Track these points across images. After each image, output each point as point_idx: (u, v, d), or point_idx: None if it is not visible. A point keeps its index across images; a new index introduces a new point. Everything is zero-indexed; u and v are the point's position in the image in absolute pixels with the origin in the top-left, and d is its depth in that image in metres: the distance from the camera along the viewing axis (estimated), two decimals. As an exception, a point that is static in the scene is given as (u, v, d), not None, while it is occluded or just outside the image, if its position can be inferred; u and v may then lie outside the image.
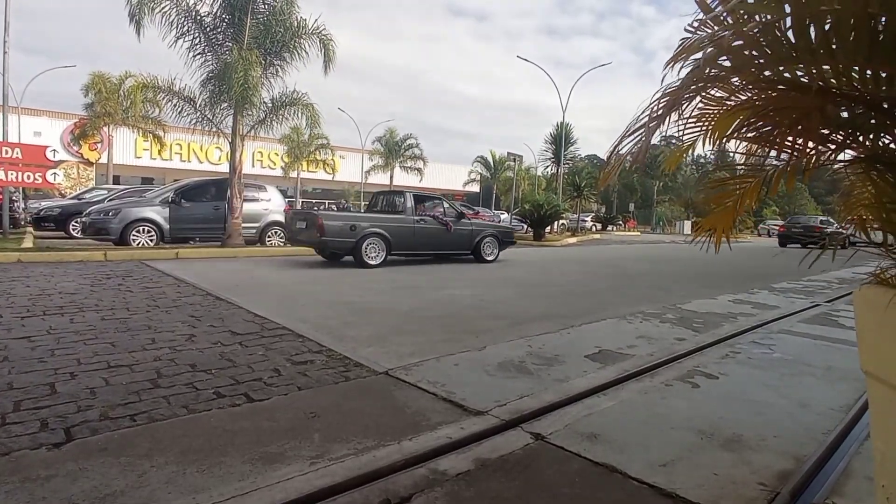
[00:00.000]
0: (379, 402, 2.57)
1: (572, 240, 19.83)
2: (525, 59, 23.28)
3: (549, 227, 19.19)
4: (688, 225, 41.27)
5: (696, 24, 1.37)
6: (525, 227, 22.52)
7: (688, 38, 1.32)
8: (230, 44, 9.97)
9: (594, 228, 32.67)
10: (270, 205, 11.55)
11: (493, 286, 6.81)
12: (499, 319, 4.60)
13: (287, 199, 13.44)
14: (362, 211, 9.44)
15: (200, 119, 10.52)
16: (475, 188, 47.97)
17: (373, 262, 8.33)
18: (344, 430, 2.21)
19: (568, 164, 31.54)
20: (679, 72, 1.28)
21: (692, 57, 1.26)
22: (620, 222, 39.22)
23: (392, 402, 2.55)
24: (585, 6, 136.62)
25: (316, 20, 10.46)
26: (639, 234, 34.62)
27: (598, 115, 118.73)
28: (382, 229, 8.49)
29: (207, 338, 3.59)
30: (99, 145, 27.79)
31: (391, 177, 37.34)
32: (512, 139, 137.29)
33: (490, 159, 39.37)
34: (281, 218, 11.63)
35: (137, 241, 9.62)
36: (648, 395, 2.73)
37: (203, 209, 10.56)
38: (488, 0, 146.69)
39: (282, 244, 11.42)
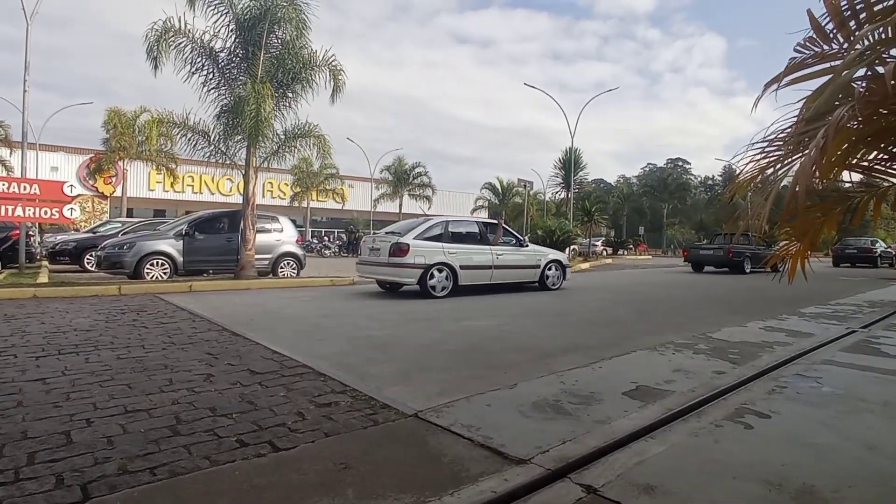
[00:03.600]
0: (412, 449, 2.40)
1: (585, 265, 19.62)
2: (532, 87, 23.58)
3: (561, 253, 19.01)
4: (698, 247, 40.89)
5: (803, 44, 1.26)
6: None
7: (796, 57, 1.21)
8: (244, 77, 10.11)
9: (605, 253, 32.39)
10: (283, 235, 11.52)
11: (513, 316, 6.64)
12: (524, 352, 4.42)
13: (297, 229, 13.42)
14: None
15: (214, 152, 10.61)
16: (483, 214, 48.10)
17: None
18: (378, 483, 2.04)
19: (577, 188, 31.54)
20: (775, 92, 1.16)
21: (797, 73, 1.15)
22: (631, 246, 38.89)
23: (426, 450, 2.39)
24: (590, 30, 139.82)
25: (327, 51, 10.61)
26: (650, 257, 34.28)
27: (605, 137, 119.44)
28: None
29: (226, 377, 3.45)
30: (113, 179, 28.28)
31: (400, 205, 37.52)
32: (517, 163, 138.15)
33: (498, 185, 39.56)
34: (293, 248, 11.60)
35: (151, 275, 9.59)
36: (700, 438, 2.54)
37: (216, 241, 10.54)
38: (492, 26, 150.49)
39: (294, 275, 11.34)
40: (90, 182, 28.63)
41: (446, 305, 7.66)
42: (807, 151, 1.53)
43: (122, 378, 3.39)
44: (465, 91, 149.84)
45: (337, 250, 28.73)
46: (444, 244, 8.99)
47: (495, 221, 10.64)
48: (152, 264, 9.66)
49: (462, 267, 9.03)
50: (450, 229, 9.30)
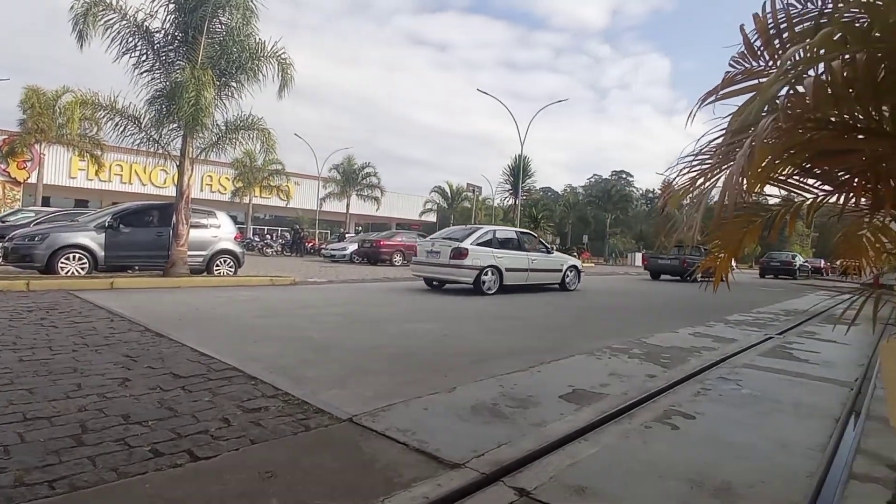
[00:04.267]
0: (344, 455, 2.31)
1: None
2: (485, 93, 23.86)
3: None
4: (639, 256, 42.90)
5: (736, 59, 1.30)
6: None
7: (731, 71, 1.24)
8: (182, 62, 9.57)
9: (547, 259, 33.11)
10: (220, 231, 10.98)
11: (457, 320, 6.64)
12: (466, 356, 4.41)
13: (237, 226, 12.85)
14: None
15: (146, 140, 9.96)
16: (432, 218, 48.14)
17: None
18: (305, 491, 1.94)
19: (525, 195, 32.18)
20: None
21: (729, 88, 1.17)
22: (576, 254, 40.08)
23: (359, 455, 2.30)
24: (544, 41, 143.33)
25: (276, 42, 10.24)
26: (593, 265, 35.44)
27: (554, 147, 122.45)
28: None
29: (144, 382, 3.21)
30: (29, 163, 26.01)
31: (347, 205, 36.91)
32: (469, 169, 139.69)
33: (447, 189, 39.68)
34: (231, 246, 11.07)
35: (67, 270, 8.84)
36: (630, 440, 2.60)
37: (144, 235, 9.89)
38: (449, 30, 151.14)
39: (231, 273, 10.84)
40: (1, 166, 26.25)
41: (397, 309, 7.56)
42: (732, 163, 1.59)
43: (24, 382, 3.07)
44: (421, 94, 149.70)
45: (280, 249, 27.82)
46: (494, 250, 10.38)
47: (530, 232, 12.44)
48: (68, 258, 8.89)
49: (507, 269, 10.45)
50: (497, 236, 10.81)
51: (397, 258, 20.87)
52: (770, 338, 5.76)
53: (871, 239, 1.86)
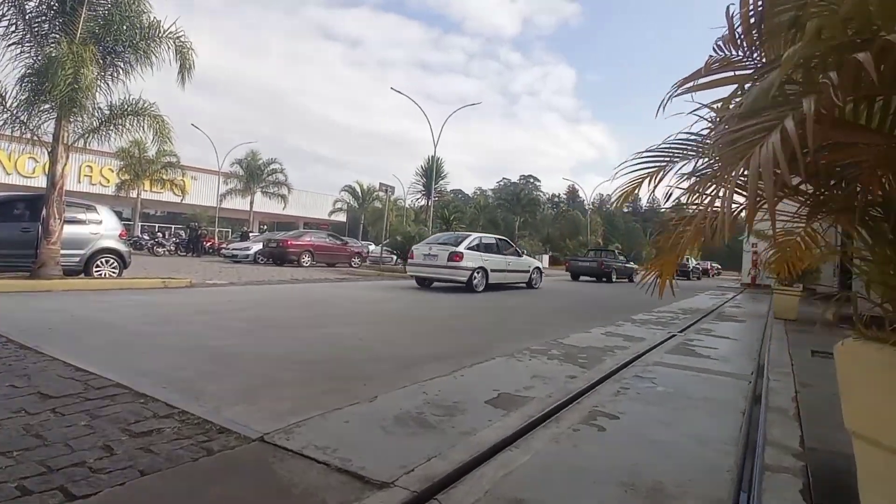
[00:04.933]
0: (256, 481, 2.02)
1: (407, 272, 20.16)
2: (399, 92, 23.62)
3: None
4: (546, 258, 44.85)
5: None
6: (395, 258, 22.37)
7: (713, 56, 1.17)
8: (58, 35, 8.40)
9: (460, 261, 33.64)
10: (101, 228, 9.76)
11: (373, 323, 6.39)
12: (385, 362, 4.20)
13: (123, 223, 11.53)
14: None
15: (11, 121, 8.61)
16: (342, 217, 46.96)
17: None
18: (209, 531, 1.65)
19: (437, 197, 32.38)
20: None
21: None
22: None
23: (273, 480, 2.03)
24: (457, 45, 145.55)
25: (174, 23, 9.32)
26: (500, 266, 36.61)
27: (466, 150, 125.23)
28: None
29: (5, 404, 2.66)
30: None
31: (251, 202, 34.94)
32: (380, 169, 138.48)
33: (358, 189, 38.91)
34: (115, 244, 9.89)
35: None
36: (560, 445, 2.55)
37: (6, 231, 8.55)
38: (362, 26, 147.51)
39: (115, 275, 9.69)
40: None
41: (310, 312, 7.13)
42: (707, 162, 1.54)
43: None
44: (332, 90, 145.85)
45: (173, 248, 25.58)
46: (481, 253, 12.14)
47: (506, 238, 14.59)
48: None
49: (492, 270, 12.25)
50: (482, 242, 12.58)
51: (306, 258, 20.06)
52: (673, 335, 6.13)
53: (804, 243, 1.94)
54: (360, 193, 39.69)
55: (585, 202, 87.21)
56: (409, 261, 13.09)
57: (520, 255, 14.02)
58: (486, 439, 2.54)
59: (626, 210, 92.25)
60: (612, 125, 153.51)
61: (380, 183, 18.30)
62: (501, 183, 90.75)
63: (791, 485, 2.20)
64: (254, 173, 34.53)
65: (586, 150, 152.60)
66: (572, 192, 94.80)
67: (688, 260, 33.02)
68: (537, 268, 14.38)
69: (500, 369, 4.13)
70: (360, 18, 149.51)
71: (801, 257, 2.07)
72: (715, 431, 2.87)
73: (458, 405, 3.09)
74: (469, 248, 11.90)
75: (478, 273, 11.85)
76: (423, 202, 35.89)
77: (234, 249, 22.27)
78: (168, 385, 3.16)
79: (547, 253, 46.49)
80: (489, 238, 13.32)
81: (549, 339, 5.50)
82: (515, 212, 46.61)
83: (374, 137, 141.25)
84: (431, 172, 26.13)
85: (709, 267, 37.91)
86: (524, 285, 13.95)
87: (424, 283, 12.81)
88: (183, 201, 34.24)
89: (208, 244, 27.89)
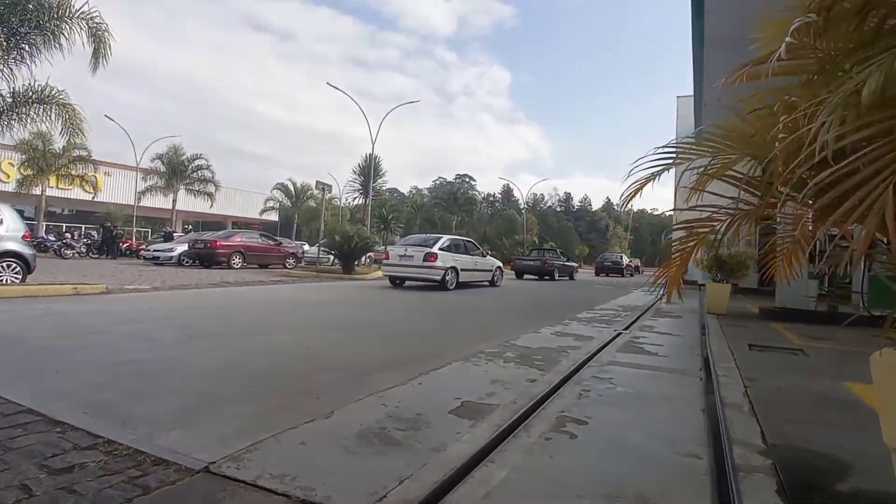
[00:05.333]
0: (203, 525, 1.73)
1: (381, 272, 19.75)
2: (336, 88, 22.97)
3: (358, 261, 18.79)
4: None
5: None
6: (332, 259, 21.73)
7: None
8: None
9: (398, 261, 33.32)
10: (2, 229, 8.67)
11: (316, 329, 6.04)
12: (337, 372, 3.93)
13: (25, 222, 10.32)
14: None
15: None
16: (274, 217, 45.18)
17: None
18: None
19: (374, 196, 31.80)
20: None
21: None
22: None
23: (224, 523, 1.75)
24: (393, 42, 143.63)
25: (86, 2, 8.42)
26: (438, 266, 36.65)
27: (402, 149, 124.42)
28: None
29: None
30: None
31: (174, 200, 32.79)
32: (314, 166, 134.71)
33: (291, 187, 37.51)
34: (16, 246, 8.81)
35: None
36: (536, 456, 2.43)
37: None
38: (293, 19, 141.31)
39: (17, 280, 8.63)
40: None
41: (246, 318, 6.62)
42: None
43: None
44: (261, 84, 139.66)
45: (84, 250, 23.42)
46: (452, 254, 13.09)
47: (472, 240, 15.61)
48: None
49: (462, 269, 13.31)
50: (453, 243, 13.55)
51: (236, 260, 19.04)
52: (620, 334, 6.25)
53: (799, 243, 1.93)
54: (293, 192, 38.30)
55: (520, 201, 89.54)
56: (384, 261, 13.92)
57: (484, 256, 15.17)
58: (458, 454, 2.37)
59: (558, 210, 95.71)
60: (545, 126, 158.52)
61: (316, 181, 17.65)
62: (437, 182, 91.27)
63: (766, 485, 2.20)
64: (177, 169, 32.38)
65: (520, 150, 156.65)
66: (507, 192, 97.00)
67: (621, 257, 34.81)
68: (499, 267, 15.55)
69: (458, 375, 3.98)
70: (290, 10, 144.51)
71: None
72: (680, 431, 2.86)
73: (422, 417, 2.89)
74: (442, 249, 12.78)
75: (450, 272, 12.78)
76: (359, 201, 35.22)
77: (155, 251, 20.72)
78: (89, 409, 2.74)
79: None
80: (458, 240, 14.35)
81: (501, 341, 5.42)
82: (452, 211, 46.90)
83: (308, 134, 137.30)
84: (369, 171, 25.60)
85: (638, 264, 40.15)
86: (487, 283, 15.05)
87: (397, 283, 13.73)
88: (95, 199, 31.52)
89: (125, 245, 25.83)
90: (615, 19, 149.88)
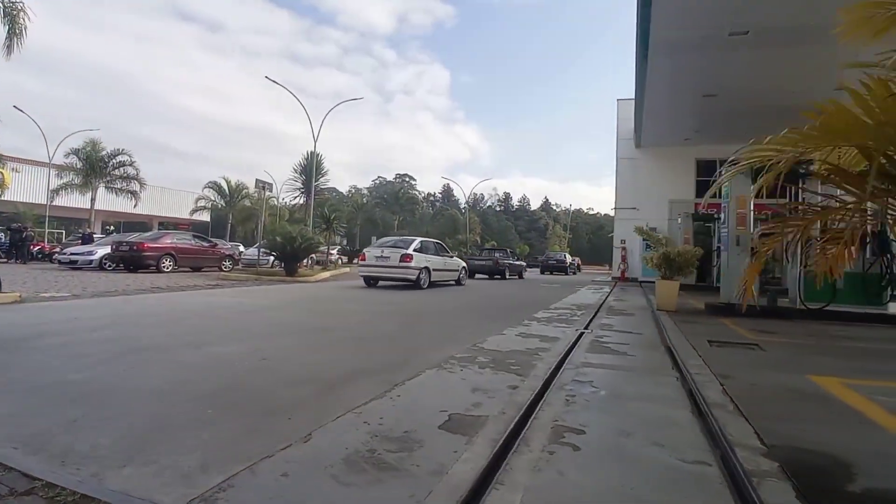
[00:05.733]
0: None
1: (326, 274, 19.07)
2: (274, 82, 21.93)
3: (301, 262, 18.03)
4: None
5: None
6: (271, 260, 20.79)
7: None
8: None
9: (340, 261, 32.52)
10: None
11: (268, 337, 5.59)
12: (303, 385, 3.58)
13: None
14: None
15: None
16: (205, 217, 42.80)
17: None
18: None
19: (316, 195, 30.74)
20: None
21: None
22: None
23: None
24: (331, 37, 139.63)
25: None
26: (382, 267, 36.00)
27: (340, 147, 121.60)
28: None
29: None
30: None
31: (93, 199, 30.25)
32: (249, 164, 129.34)
33: (225, 185, 35.53)
34: None
35: None
36: (545, 475, 2.24)
37: None
38: (222, 10, 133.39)
39: None
40: None
41: (187, 327, 6.02)
42: None
43: None
44: (190, 77, 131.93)
45: (-12, 255, 21.05)
46: (425, 255, 13.99)
47: (440, 242, 16.52)
48: None
49: (433, 269, 14.21)
50: (424, 244, 14.39)
51: (166, 263, 17.78)
52: (582, 334, 6.23)
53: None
54: (227, 191, 36.30)
55: (461, 201, 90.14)
56: (361, 262, 14.54)
57: (451, 257, 16.14)
58: (462, 477, 2.14)
59: (498, 209, 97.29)
60: (485, 127, 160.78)
61: (256, 180, 16.72)
62: (377, 181, 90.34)
63: (783, 491, 2.13)
64: (95, 166, 29.80)
65: (460, 150, 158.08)
66: (447, 191, 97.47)
67: (565, 256, 35.84)
68: (464, 267, 16.66)
69: (435, 385, 3.74)
70: (219, 0, 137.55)
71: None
72: (677, 436, 2.78)
73: (411, 435, 2.64)
74: (416, 251, 13.72)
75: (423, 272, 13.70)
76: (299, 200, 33.97)
77: (72, 254, 18.93)
78: (20, 443, 2.28)
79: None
80: (428, 242, 15.21)
81: (469, 345, 5.24)
82: (394, 210, 46.34)
83: (241, 131, 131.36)
84: (311, 169, 24.68)
85: (579, 262, 41.61)
86: (454, 282, 16.02)
87: (372, 283, 14.37)
88: (2, 197, 28.48)
89: (36, 248, 23.49)
90: (556, 22, 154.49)
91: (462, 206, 76.71)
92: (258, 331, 6.00)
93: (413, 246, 13.80)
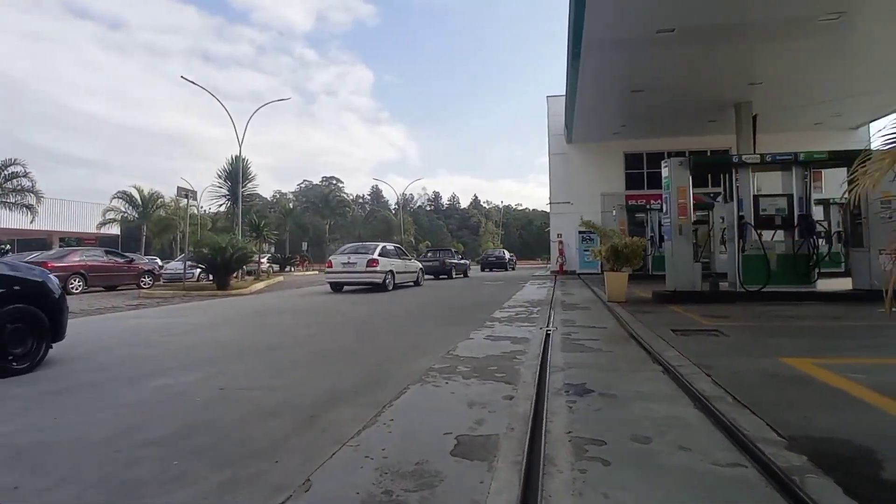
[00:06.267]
0: None
1: (260, 285, 18.00)
2: (192, 82, 20.40)
3: (233, 274, 16.90)
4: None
5: None
6: (197, 274, 19.41)
7: None
8: None
9: (272, 270, 31.02)
10: None
11: (217, 362, 5.02)
12: (276, 416, 3.17)
13: None
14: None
15: None
16: (115, 230, 39.31)
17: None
18: None
19: (244, 202, 29.02)
20: None
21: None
22: (297, 263, 38.82)
23: None
24: (245, 36, 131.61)
25: None
26: (317, 272, 34.74)
27: (261, 151, 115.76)
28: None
29: None
30: None
31: (-20, 215, 26.88)
32: (160, 171, 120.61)
33: (137, 195, 32.64)
34: None
35: None
36: (589, 498, 2.04)
37: None
38: (122, 6, 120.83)
39: None
40: None
41: (121, 355, 5.25)
42: None
43: None
44: (89, 78, 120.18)
45: None
46: (388, 259, 14.78)
47: (400, 246, 18.07)
48: None
49: (397, 272, 14.96)
50: (386, 249, 15.27)
51: (76, 283, 16.08)
52: (549, 332, 6.15)
53: None
54: (139, 200, 33.39)
55: (390, 202, 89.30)
56: (328, 269, 15.02)
57: (410, 259, 17.11)
58: (504, 516, 1.89)
59: (428, 208, 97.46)
60: (411, 126, 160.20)
61: (178, 187, 15.37)
62: (303, 185, 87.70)
63: (828, 487, 2.06)
64: (-19, 178, 26.46)
65: (387, 150, 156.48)
66: (376, 193, 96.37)
67: (503, 252, 36.51)
68: (420, 269, 17.59)
69: (425, 402, 3.45)
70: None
71: None
72: (698, 437, 2.68)
73: (424, 467, 2.35)
74: (380, 255, 14.47)
75: (388, 275, 14.43)
76: (221, 208, 31.96)
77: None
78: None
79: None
80: (390, 246, 16.20)
81: (441, 353, 4.98)
82: (324, 214, 44.94)
83: (150, 136, 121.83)
84: (238, 175, 23.24)
85: (514, 258, 42.57)
86: (412, 283, 16.73)
87: (339, 288, 14.77)
88: None
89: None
90: (479, 23, 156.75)
91: (392, 207, 76.15)
92: (204, 355, 5.39)
93: (378, 251, 14.61)
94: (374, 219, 52.60)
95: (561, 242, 24.48)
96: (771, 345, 5.11)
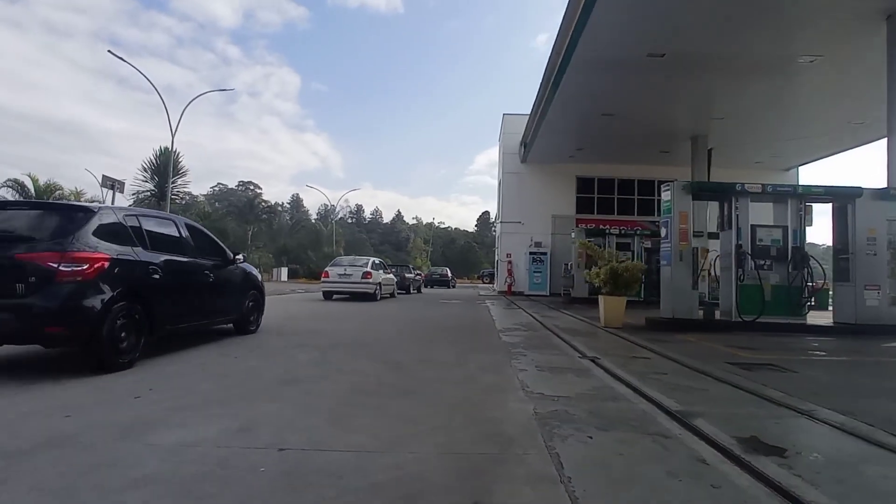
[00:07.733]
0: None
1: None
2: (121, 59, 17.88)
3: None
4: (285, 271, 41.07)
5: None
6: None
7: None
8: None
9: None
10: None
11: (233, 401, 3.76)
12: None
13: None
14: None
15: None
16: None
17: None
18: None
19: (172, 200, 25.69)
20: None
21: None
22: (213, 272, 35.35)
23: None
24: (161, 24, 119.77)
25: None
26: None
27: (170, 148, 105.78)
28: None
29: None
30: None
31: None
32: (54, 164, 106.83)
33: (31, 185, 27.72)
34: None
35: None
36: None
37: None
38: None
39: None
40: None
41: (70, 420, 3.76)
42: None
43: None
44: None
45: None
46: (377, 271, 16.74)
47: (382, 259, 20.76)
48: None
49: (384, 284, 17.13)
50: (375, 264, 17.13)
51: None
52: (595, 360, 5.46)
53: None
54: (34, 192, 28.40)
55: (310, 212, 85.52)
56: (324, 279, 16.62)
57: (388, 273, 18.74)
58: None
59: (350, 221, 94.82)
60: (337, 136, 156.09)
61: (103, 176, 12.92)
62: (217, 188, 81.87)
63: None
64: None
65: (310, 159, 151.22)
66: (296, 201, 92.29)
67: (446, 271, 36.02)
68: (395, 282, 19.29)
69: (603, 474, 2.58)
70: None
71: None
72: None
73: None
74: (371, 268, 16.24)
75: (378, 287, 16.18)
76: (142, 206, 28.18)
77: None
78: None
79: (286, 265, 43.01)
80: (377, 260, 18.12)
81: (521, 393, 4.11)
82: (248, 221, 41.74)
83: (41, 124, 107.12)
84: (168, 170, 20.55)
85: (454, 276, 42.75)
86: (389, 295, 18.33)
87: (331, 297, 16.40)
88: None
89: None
90: (410, 38, 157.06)
91: (314, 217, 72.88)
92: (169, 403, 4.02)
93: (369, 264, 16.53)
94: (302, 228, 49.78)
95: (510, 262, 24.21)
96: (851, 385, 4.84)
